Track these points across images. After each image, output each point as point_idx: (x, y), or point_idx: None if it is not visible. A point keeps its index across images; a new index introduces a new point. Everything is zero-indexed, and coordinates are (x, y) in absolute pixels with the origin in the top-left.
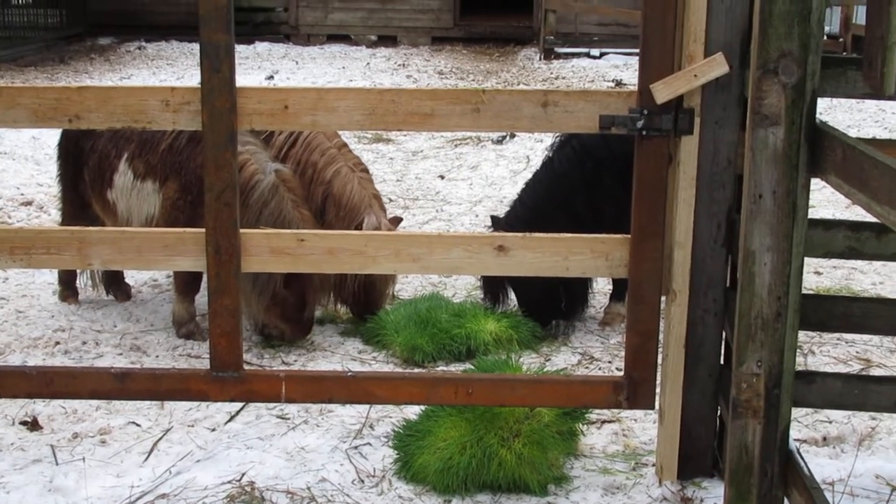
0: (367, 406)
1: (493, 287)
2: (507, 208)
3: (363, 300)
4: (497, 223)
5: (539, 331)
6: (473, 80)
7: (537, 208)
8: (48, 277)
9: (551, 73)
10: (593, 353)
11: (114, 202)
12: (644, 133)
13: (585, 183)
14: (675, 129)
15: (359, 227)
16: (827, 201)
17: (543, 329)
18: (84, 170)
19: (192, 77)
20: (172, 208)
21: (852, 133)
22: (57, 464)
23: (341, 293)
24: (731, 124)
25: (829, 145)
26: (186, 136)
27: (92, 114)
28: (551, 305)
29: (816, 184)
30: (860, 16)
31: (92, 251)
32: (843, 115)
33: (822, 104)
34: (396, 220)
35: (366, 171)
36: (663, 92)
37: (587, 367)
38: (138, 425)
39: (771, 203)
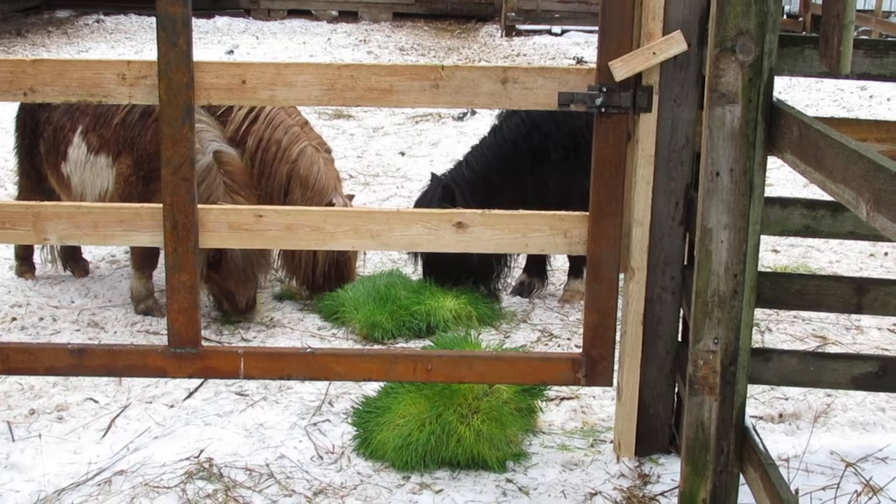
0: (327, 383)
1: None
2: (450, 166)
3: (333, 279)
4: (437, 180)
5: (498, 308)
6: (434, 57)
7: (483, 173)
8: (4, 252)
9: (512, 51)
10: (552, 330)
11: (68, 175)
12: (603, 110)
13: (532, 154)
14: (633, 107)
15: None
16: (785, 179)
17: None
18: (40, 141)
19: (151, 51)
20: (125, 184)
21: (810, 112)
22: (13, 440)
23: (308, 274)
24: (690, 102)
25: (785, 123)
26: (139, 111)
27: (47, 87)
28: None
29: (774, 162)
30: None
31: (48, 226)
32: (802, 94)
33: (781, 83)
34: (349, 198)
35: (328, 151)
36: (622, 69)
37: (546, 345)
38: (96, 402)
39: (728, 181)
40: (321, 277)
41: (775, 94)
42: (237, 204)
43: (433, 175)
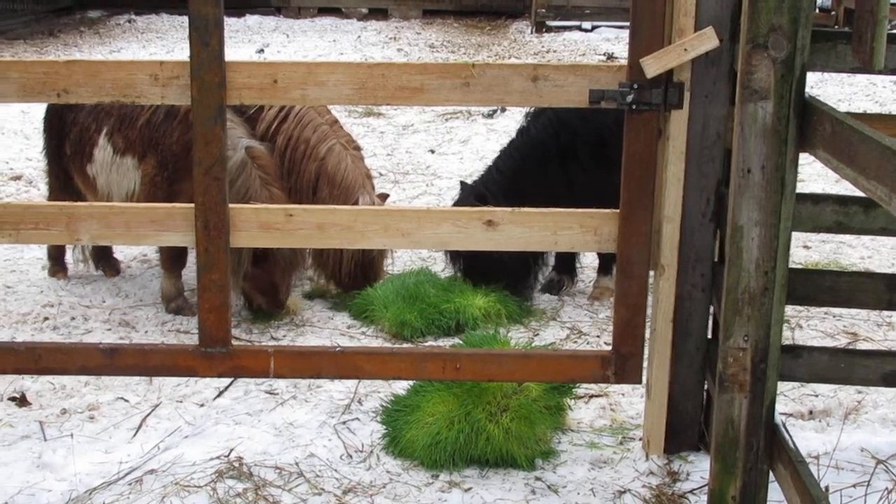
0: (356, 381)
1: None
2: (480, 171)
3: (360, 278)
4: (468, 189)
5: (528, 305)
6: (464, 54)
7: (512, 176)
8: (37, 253)
9: (542, 47)
10: (581, 327)
11: (94, 177)
12: (634, 107)
13: (559, 153)
14: (664, 104)
15: (355, 204)
16: (817, 175)
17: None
18: (66, 143)
19: (182, 51)
20: (151, 185)
21: (842, 107)
22: (45, 440)
23: (336, 271)
24: (721, 99)
25: (818, 120)
26: (164, 112)
27: (80, 88)
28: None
29: (806, 158)
30: None
31: (81, 226)
32: (834, 88)
33: (813, 78)
34: (383, 197)
35: (358, 148)
36: (653, 66)
37: (575, 342)
38: (127, 401)
39: (759, 177)
40: (347, 276)
41: (807, 89)
42: (274, 196)
43: (462, 184)
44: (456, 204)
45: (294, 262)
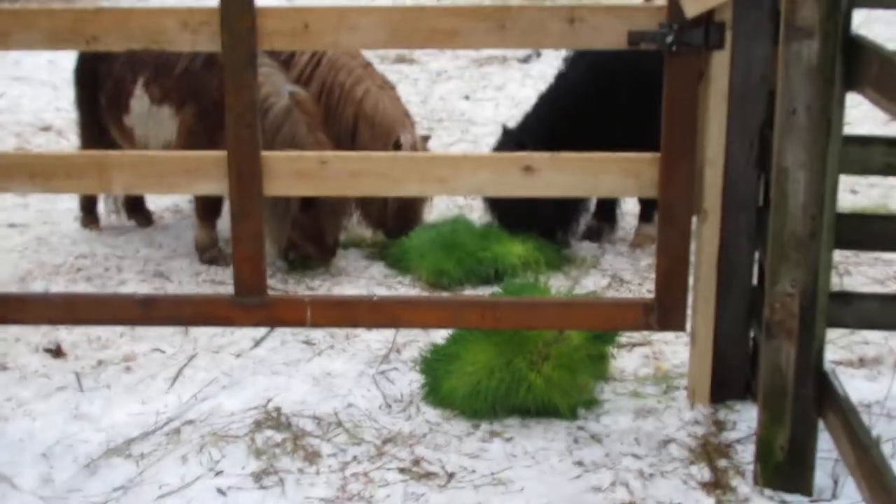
0: (394, 331)
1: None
2: (518, 119)
3: (404, 222)
4: (509, 135)
5: (567, 253)
6: None
7: (550, 123)
8: (69, 204)
9: None
10: (623, 275)
11: (131, 128)
12: (674, 49)
13: (599, 99)
14: (705, 45)
15: (396, 144)
16: (864, 118)
17: (551, 241)
18: (100, 95)
19: None
20: (189, 134)
21: (890, 46)
22: (82, 391)
23: (380, 216)
24: (764, 38)
25: (865, 59)
26: (202, 60)
27: (109, 35)
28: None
29: (853, 99)
30: None
31: (112, 176)
32: (881, 28)
33: (859, 17)
34: (426, 139)
35: (393, 89)
36: (693, 6)
37: (617, 290)
38: (163, 352)
39: (805, 119)
40: (392, 220)
41: (853, 28)
42: (320, 142)
43: (504, 128)
44: (496, 149)
45: (341, 208)
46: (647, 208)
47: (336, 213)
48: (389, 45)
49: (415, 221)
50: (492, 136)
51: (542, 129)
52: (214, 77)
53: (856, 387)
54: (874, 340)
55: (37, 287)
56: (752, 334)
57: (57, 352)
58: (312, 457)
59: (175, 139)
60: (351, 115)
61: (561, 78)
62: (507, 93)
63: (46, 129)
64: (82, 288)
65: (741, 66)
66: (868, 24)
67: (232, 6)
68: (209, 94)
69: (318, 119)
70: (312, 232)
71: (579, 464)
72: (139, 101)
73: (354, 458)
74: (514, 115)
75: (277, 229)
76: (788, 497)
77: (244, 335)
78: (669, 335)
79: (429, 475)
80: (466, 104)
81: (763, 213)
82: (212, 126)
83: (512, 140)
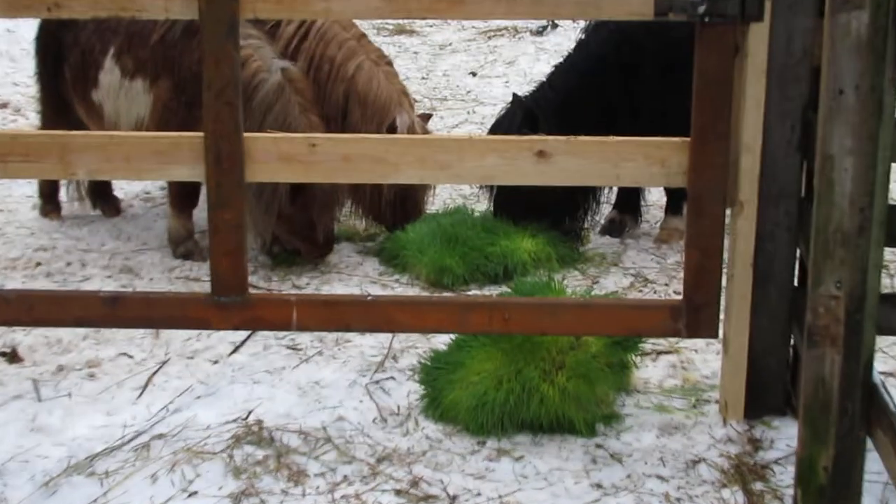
0: (390, 335)
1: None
2: (531, 89)
3: (402, 213)
4: (519, 102)
5: (583, 249)
6: None
7: (567, 95)
8: (27, 189)
9: None
10: (647, 274)
11: (99, 104)
12: (706, 20)
13: (622, 71)
14: (741, 15)
15: (391, 127)
16: None
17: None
18: (65, 67)
19: None
20: (164, 110)
21: None
22: (40, 400)
23: (375, 205)
24: (808, 9)
25: None
26: (181, 28)
27: (73, 1)
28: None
29: None
30: None
31: (76, 158)
32: None
33: None
34: (426, 117)
35: (390, 64)
36: None
37: (641, 291)
38: (131, 357)
39: (853, 99)
40: (389, 209)
41: None
42: (313, 124)
43: (515, 96)
44: (501, 119)
45: (334, 196)
46: (675, 199)
47: (329, 204)
48: (386, 13)
49: (414, 212)
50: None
51: (556, 99)
52: (194, 47)
53: None
54: None
55: None
56: (792, 341)
57: (12, 356)
58: (298, 476)
59: (149, 117)
60: (341, 93)
61: (581, 46)
62: (519, 69)
63: (3, 105)
64: (41, 285)
65: (782, 39)
66: None
67: None
68: (188, 66)
69: (312, 99)
70: (302, 224)
71: (598, 486)
72: (109, 74)
73: (345, 478)
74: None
75: (262, 221)
76: None
77: (222, 339)
78: (699, 342)
79: (428, 498)
80: (473, 81)
81: (805, 204)
82: (190, 102)
83: (521, 108)
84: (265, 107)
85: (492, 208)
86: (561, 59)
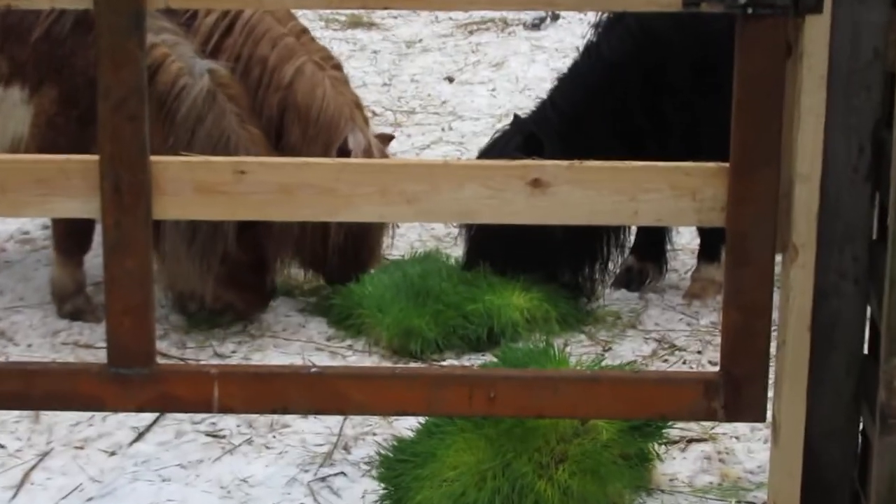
0: (340, 418)
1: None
2: (533, 109)
3: (349, 261)
4: (518, 125)
5: (591, 307)
6: None
7: (575, 116)
8: None
9: None
10: (674, 338)
11: None
12: (750, 11)
13: (645, 79)
14: (795, 7)
15: (342, 149)
16: None
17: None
18: None
19: None
20: (49, 127)
21: None
22: None
23: (318, 252)
24: (879, 0)
25: None
26: (71, 21)
27: None
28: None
29: None
30: None
31: None
32: None
33: None
34: (386, 139)
35: (338, 67)
36: None
37: (666, 360)
38: (3, 447)
39: None
40: (335, 257)
41: None
42: (254, 138)
43: (516, 117)
44: (495, 143)
45: (289, 232)
46: (710, 242)
47: (288, 234)
48: (336, 2)
49: (368, 259)
50: (486, 136)
51: (562, 124)
52: (88, 45)
53: None
54: None
55: None
56: (861, 426)
57: None
58: None
59: (28, 136)
60: (275, 105)
61: (590, 51)
62: (509, 72)
63: None
64: None
65: (846, 37)
66: None
67: None
68: (81, 69)
69: (248, 107)
70: (250, 268)
71: None
72: None
73: None
74: (518, 105)
75: (197, 271)
76: None
77: (121, 424)
78: (741, 427)
79: None
80: (449, 89)
81: (878, 248)
82: (83, 116)
83: (520, 131)
84: (193, 120)
85: (469, 253)
86: (566, 69)
